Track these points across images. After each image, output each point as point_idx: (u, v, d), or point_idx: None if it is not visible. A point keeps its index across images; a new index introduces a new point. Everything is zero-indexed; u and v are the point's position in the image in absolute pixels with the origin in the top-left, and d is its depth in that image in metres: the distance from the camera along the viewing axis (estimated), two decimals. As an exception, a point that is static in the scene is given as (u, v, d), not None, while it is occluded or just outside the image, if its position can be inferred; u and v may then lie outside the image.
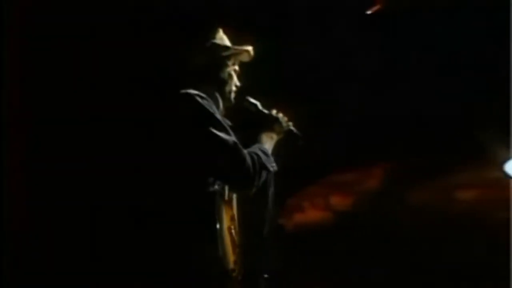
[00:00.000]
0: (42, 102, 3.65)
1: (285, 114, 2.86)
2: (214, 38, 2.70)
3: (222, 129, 2.44)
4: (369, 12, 4.28)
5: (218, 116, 2.49)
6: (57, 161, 3.61)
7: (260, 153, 2.58)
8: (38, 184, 3.61)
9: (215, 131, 2.40)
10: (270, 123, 2.79)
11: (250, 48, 2.73)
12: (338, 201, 4.52)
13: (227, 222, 2.52)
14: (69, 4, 3.64)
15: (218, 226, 2.40)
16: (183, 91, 2.50)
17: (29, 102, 3.58)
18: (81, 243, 3.60)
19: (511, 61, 4.03)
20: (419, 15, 4.33)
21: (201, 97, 2.48)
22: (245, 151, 2.48)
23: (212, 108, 2.50)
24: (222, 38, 2.74)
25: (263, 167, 2.53)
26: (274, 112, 2.84)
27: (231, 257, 2.46)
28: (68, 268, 3.57)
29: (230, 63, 2.70)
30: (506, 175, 4.45)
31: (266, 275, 2.68)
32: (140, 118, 2.80)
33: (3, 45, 3.39)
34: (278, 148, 2.79)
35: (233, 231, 2.54)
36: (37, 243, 3.58)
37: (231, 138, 2.44)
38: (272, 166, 2.61)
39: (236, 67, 2.76)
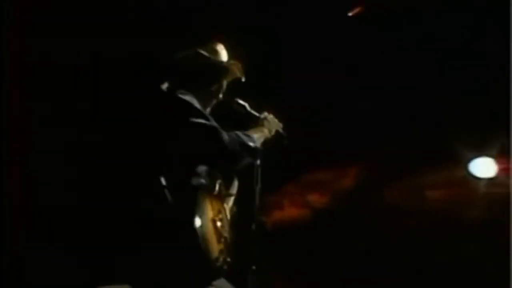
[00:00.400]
0: (42, 102, 3.69)
1: (272, 114, 2.98)
2: (209, 49, 2.86)
3: (201, 116, 2.57)
4: (350, 14, 4.42)
5: (197, 105, 2.61)
6: (56, 161, 3.67)
7: (240, 133, 2.70)
8: (38, 184, 3.66)
9: (195, 119, 2.53)
10: (259, 123, 2.92)
11: (239, 65, 2.88)
12: (316, 199, 4.70)
13: (212, 215, 2.62)
14: (68, 4, 3.71)
15: (198, 218, 2.48)
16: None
17: (29, 102, 3.61)
18: (78, 241, 3.67)
19: (511, 61, 4.18)
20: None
21: (183, 93, 2.62)
22: (224, 133, 2.59)
23: (193, 101, 2.62)
24: (216, 51, 2.89)
25: (243, 145, 2.65)
26: (265, 114, 2.98)
27: (214, 247, 2.57)
28: (67, 265, 3.64)
29: (220, 77, 2.85)
30: (470, 174, 4.75)
31: (254, 267, 2.74)
32: (134, 117, 2.84)
33: (3, 45, 3.42)
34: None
35: (218, 223, 2.64)
36: (37, 243, 3.63)
37: (210, 123, 2.56)
38: (253, 142, 2.72)
39: (224, 84, 2.90)
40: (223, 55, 2.91)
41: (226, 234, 2.69)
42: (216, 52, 2.88)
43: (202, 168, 2.62)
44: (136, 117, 2.75)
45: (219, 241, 2.61)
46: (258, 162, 2.81)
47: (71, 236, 3.69)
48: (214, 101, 2.88)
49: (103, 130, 3.64)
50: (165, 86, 2.78)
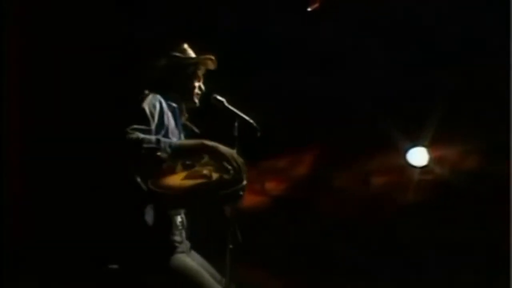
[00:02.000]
0: (41, 102, 3.79)
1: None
2: (177, 50, 3.11)
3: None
4: (309, 9, 4.63)
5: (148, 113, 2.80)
6: (54, 160, 3.77)
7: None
8: (37, 184, 3.75)
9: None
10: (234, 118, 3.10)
11: (211, 56, 3.10)
12: (271, 186, 5.01)
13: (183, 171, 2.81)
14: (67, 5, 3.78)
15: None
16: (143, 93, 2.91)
17: (29, 102, 3.70)
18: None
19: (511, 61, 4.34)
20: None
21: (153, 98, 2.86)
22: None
23: (155, 107, 2.84)
24: (185, 50, 3.14)
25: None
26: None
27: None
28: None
29: (192, 71, 3.10)
30: (408, 163, 5.22)
31: (231, 246, 2.90)
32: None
33: (3, 47, 3.48)
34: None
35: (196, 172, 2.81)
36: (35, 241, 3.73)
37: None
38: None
39: (200, 74, 3.13)
40: (191, 52, 3.16)
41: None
42: (185, 51, 3.14)
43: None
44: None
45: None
46: (235, 151, 2.94)
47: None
48: (196, 95, 3.14)
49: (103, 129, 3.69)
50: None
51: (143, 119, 2.80)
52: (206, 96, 3.17)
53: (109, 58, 3.95)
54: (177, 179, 2.80)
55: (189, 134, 3.19)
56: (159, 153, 2.69)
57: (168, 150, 2.72)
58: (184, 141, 2.92)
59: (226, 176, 2.81)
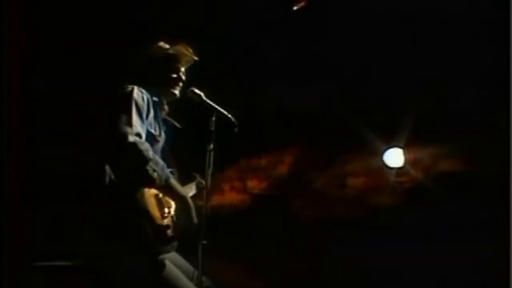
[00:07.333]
0: (41, 101, 3.79)
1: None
2: (154, 43, 3.14)
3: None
4: (295, 8, 4.64)
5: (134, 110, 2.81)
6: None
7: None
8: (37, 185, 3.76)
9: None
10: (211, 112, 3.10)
11: (189, 49, 3.11)
12: (253, 185, 4.99)
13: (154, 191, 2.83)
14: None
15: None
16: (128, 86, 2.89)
17: (29, 101, 3.66)
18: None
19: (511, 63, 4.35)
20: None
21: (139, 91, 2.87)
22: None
23: (139, 102, 2.85)
24: (162, 44, 3.14)
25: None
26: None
27: (157, 218, 2.76)
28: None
29: (172, 63, 3.11)
30: (384, 164, 5.26)
31: (204, 242, 2.89)
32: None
33: (3, 45, 3.44)
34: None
35: (160, 195, 2.84)
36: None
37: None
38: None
39: (180, 67, 3.13)
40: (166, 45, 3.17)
41: (172, 212, 2.89)
42: (161, 44, 3.17)
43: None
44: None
45: (162, 217, 2.80)
46: (212, 146, 3.00)
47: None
48: (175, 87, 3.13)
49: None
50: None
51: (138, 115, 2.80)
52: (183, 90, 3.15)
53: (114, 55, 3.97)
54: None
55: (170, 129, 3.16)
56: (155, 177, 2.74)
57: (163, 181, 2.79)
58: (176, 184, 2.92)
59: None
